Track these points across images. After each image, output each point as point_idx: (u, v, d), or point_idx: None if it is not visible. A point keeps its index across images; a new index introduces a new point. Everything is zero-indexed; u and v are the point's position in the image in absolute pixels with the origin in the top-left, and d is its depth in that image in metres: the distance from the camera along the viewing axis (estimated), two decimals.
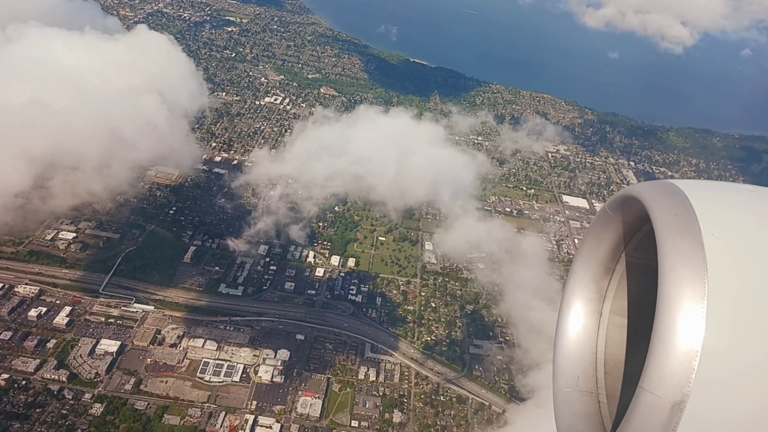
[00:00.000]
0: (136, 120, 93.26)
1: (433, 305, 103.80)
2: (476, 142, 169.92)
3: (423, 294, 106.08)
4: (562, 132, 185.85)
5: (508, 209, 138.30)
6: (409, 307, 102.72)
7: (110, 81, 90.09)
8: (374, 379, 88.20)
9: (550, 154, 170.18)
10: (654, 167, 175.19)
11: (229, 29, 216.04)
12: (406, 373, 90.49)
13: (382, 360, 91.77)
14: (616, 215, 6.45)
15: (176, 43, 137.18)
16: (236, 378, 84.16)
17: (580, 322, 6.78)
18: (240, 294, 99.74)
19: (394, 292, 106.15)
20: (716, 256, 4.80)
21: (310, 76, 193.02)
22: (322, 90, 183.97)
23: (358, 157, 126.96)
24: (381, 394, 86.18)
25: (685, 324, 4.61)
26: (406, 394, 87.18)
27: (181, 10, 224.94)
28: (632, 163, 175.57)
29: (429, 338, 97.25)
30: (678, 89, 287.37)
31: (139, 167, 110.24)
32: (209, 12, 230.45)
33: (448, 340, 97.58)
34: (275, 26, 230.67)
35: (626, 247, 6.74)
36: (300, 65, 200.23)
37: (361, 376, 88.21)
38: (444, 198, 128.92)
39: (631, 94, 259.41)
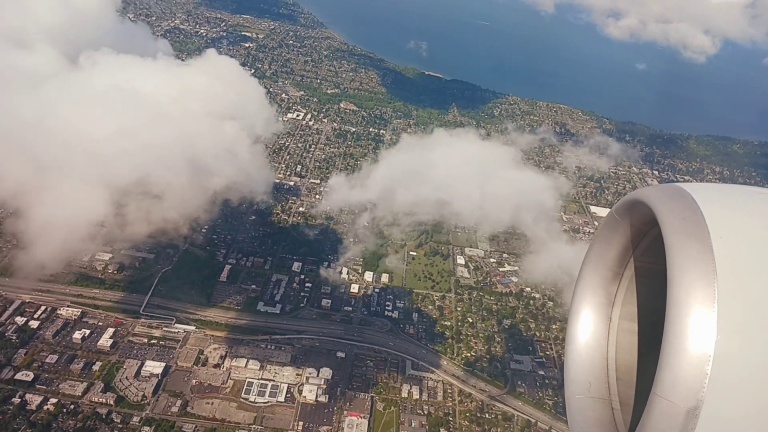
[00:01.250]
0: (216, 146, 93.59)
1: (470, 320, 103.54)
2: (539, 160, 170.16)
3: (459, 309, 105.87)
4: (627, 150, 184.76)
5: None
6: (446, 323, 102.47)
7: (187, 107, 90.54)
8: (418, 397, 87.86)
9: (573, 165, 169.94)
10: (678, 175, 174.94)
11: (247, 45, 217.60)
12: (449, 391, 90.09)
13: (424, 377, 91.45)
14: (624, 220, 6.45)
15: (245, 67, 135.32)
16: (281, 398, 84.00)
17: (590, 328, 6.76)
18: (278, 312, 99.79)
19: (430, 307, 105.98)
20: (725, 258, 4.79)
21: (329, 91, 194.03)
22: (341, 105, 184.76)
23: (434, 180, 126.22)
24: (426, 412, 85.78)
25: (697, 328, 4.58)
26: (450, 412, 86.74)
27: (197, 27, 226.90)
28: (656, 172, 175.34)
29: (469, 354, 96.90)
30: (695, 97, 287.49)
31: (213, 192, 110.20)
32: (225, 28, 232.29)
33: (488, 356, 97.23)
34: (291, 41, 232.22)
35: (634, 251, 6.72)
36: (318, 80, 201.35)
37: (404, 394, 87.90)
38: (527, 221, 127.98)
39: (647, 102, 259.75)
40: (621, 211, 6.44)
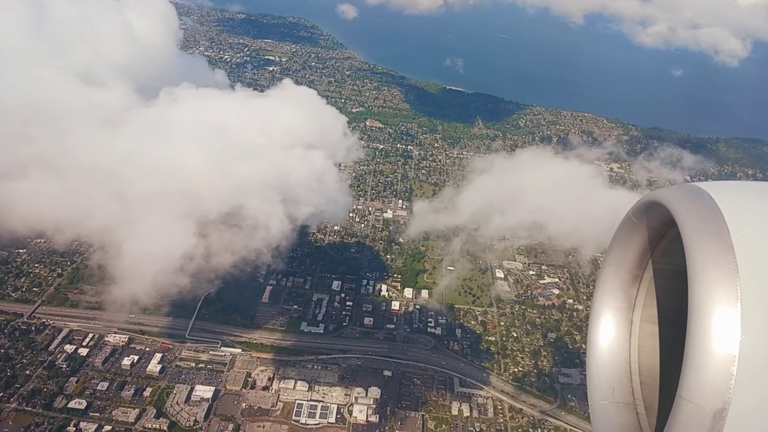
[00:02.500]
0: (302, 176, 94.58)
1: (515, 335, 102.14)
2: (614, 174, 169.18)
3: (502, 324, 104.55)
4: (703, 161, 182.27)
5: None
6: (490, 338, 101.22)
7: (272, 138, 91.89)
8: (468, 414, 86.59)
9: (603, 173, 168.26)
10: (711, 180, 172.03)
11: (271, 69, 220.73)
12: (499, 407, 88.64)
13: (473, 394, 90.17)
14: (641, 222, 6.32)
15: (321, 96, 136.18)
16: (331, 419, 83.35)
17: (611, 333, 6.67)
18: (322, 332, 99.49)
19: (473, 322, 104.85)
20: (747, 256, 4.68)
21: (354, 110, 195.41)
22: (367, 123, 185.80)
23: (525, 202, 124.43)
24: (477, 430, 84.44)
25: (720, 328, 4.48)
26: (502, 428, 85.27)
27: (221, 53, 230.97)
28: (688, 177, 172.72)
29: (516, 369, 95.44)
30: (722, 100, 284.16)
31: (298, 220, 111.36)
32: (248, 53, 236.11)
33: (535, 371, 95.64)
34: (313, 63, 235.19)
35: (653, 253, 6.61)
36: (343, 100, 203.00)
37: (454, 412, 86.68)
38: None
39: (673, 108, 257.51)
40: (638, 213, 6.34)
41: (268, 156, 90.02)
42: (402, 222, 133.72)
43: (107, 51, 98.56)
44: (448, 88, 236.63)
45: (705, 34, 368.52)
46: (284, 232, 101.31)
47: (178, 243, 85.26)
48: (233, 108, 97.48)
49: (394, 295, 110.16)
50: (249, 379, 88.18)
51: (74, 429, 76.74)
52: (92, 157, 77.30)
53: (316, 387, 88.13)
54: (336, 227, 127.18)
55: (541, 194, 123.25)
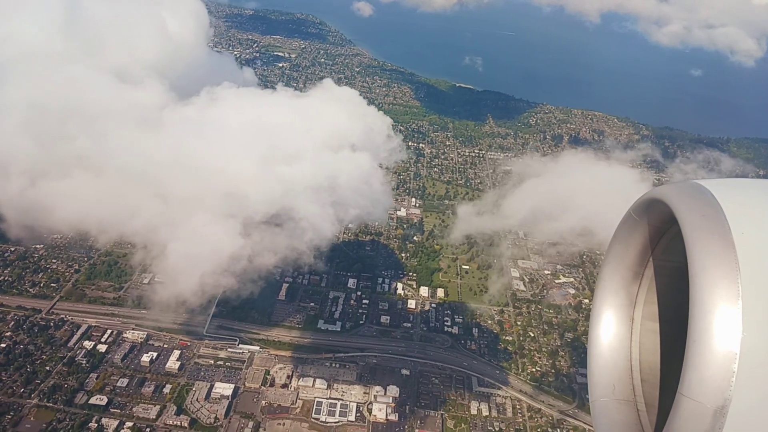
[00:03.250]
0: (348, 177, 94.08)
1: (532, 335, 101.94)
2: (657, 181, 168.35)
3: (519, 323, 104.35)
4: (743, 165, 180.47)
5: None
6: (507, 338, 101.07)
7: (317, 139, 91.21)
8: (487, 414, 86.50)
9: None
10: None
11: (280, 65, 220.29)
12: (517, 407, 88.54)
13: (492, 394, 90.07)
14: (642, 219, 6.33)
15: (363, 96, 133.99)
16: (351, 418, 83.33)
17: (612, 330, 6.68)
18: (339, 330, 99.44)
19: (489, 322, 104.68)
20: (748, 254, 4.69)
21: None
22: None
23: (572, 207, 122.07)
24: (497, 429, 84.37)
25: (721, 325, 4.49)
26: (522, 428, 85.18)
27: (230, 49, 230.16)
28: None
29: (534, 369, 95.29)
30: (733, 100, 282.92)
31: (342, 221, 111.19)
32: (257, 48, 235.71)
33: (553, 371, 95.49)
34: (323, 59, 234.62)
35: (654, 250, 6.62)
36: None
37: (473, 411, 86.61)
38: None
39: (683, 107, 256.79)
40: (639, 210, 6.35)
41: (314, 157, 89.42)
42: (415, 220, 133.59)
43: (141, 49, 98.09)
44: (457, 85, 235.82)
45: (720, 33, 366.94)
46: (328, 233, 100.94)
47: (225, 244, 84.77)
48: (276, 108, 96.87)
49: (409, 293, 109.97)
50: (268, 376, 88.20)
51: (96, 425, 76.81)
52: (134, 157, 76.84)
53: (335, 385, 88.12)
54: (350, 225, 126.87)
55: (589, 198, 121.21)
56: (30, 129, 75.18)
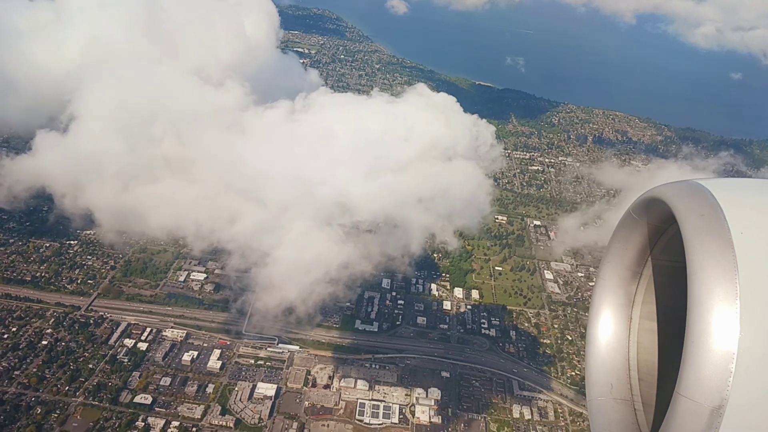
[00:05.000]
0: (448, 186, 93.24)
1: (569, 338, 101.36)
2: None
3: (556, 326, 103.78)
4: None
5: None
6: (545, 341, 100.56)
7: (418, 146, 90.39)
8: (530, 417, 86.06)
9: (641, 174, 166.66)
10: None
11: (302, 61, 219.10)
12: (559, 411, 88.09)
13: (534, 397, 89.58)
14: (641, 218, 6.31)
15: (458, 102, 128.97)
16: (394, 419, 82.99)
17: (610, 329, 6.67)
18: (376, 330, 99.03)
19: (526, 324, 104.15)
20: (747, 254, 4.66)
21: None
22: None
23: None
24: None
25: (719, 325, 4.48)
26: None
27: None
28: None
29: (573, 373, 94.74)
30: (754, 102, 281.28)
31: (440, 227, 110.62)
32: (277, 44, 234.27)
33: None
34: (342, 56, 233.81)
35: (653, 250, 6.60)
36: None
37: (516, 415, 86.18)
38: None
39: (708, 108, 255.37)
40: (638, 209, 6.31)
41: (420, 167, 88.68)
42: None
43: (219, 50, 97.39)
44: (477, 83, 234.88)
45: (754, 36, 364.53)
46: (424, 240, 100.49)
47: (330, 252, 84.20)
48: (375, 114, 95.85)
49: (444, 294, 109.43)
50: (309, 377, 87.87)
51: (143, 424, 76.60)
52: (229, 161, 76.14)
53: (376, 386, 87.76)
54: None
55: None
56: (121, 131, 74.61)
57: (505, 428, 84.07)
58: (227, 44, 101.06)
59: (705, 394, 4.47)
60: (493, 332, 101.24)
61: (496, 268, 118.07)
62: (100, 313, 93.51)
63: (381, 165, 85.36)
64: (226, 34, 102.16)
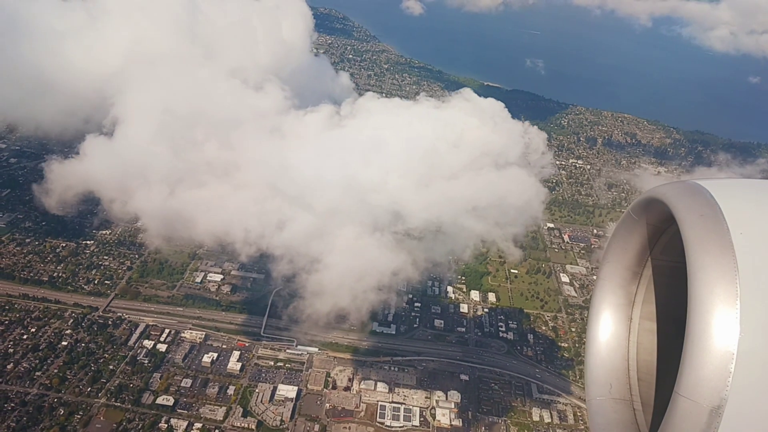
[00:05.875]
0: (504, 193, 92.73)
1: None
2: None
3: (573, 330, 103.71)
4: None
5: None
6: (563, 344, 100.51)
7: (467, 153, 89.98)
8: (549, 420, 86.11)
9: (653, 177, 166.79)
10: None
11: None
12: (578, 414, 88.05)
13: (553, 400, 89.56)
14: (641, 218, 6.32)
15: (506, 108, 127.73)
16: (415, 422, 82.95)
17: (610, 329, 6.69)
18: (393, 333, 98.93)
19: (543, 328, 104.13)
20: (746, 254, 4.66)
21: None
22: None
23: None
24: None
25: (719, 326, 4.47)
26: None
27: None
28: None
29: None
30: (760, 105, 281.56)
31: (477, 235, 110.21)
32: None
33: None
34: (351, 56, 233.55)
35: (652, 250, 6.61)
36: (384, 94, 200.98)
37: (535, 418, 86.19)
38: None
39: (710, 111, 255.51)
40: (637, 209, 6.32)
41: (470, 173, 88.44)
42: None
43: (257, 54, 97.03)
44: (485, 84, 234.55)
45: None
46: (469, 246, 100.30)
47: (386, 259, 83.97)
48: (424, 120, 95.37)
49: (460, 297, 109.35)
50: (329, 379, 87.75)
51: (166, 426, 76.48)
52: (278, 166, 75.82)
53: (396, 389, 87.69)
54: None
55: None
56: (166, 135, 74.33)
57: (525, 431, 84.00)
58: (265, 47, 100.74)
59: (704, 394, 4.48)
60: (510, 335, 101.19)
61: (512, 270, 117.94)
62: (119, 314, 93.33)
63: (433, 172, 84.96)
64: (263, 36, 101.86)
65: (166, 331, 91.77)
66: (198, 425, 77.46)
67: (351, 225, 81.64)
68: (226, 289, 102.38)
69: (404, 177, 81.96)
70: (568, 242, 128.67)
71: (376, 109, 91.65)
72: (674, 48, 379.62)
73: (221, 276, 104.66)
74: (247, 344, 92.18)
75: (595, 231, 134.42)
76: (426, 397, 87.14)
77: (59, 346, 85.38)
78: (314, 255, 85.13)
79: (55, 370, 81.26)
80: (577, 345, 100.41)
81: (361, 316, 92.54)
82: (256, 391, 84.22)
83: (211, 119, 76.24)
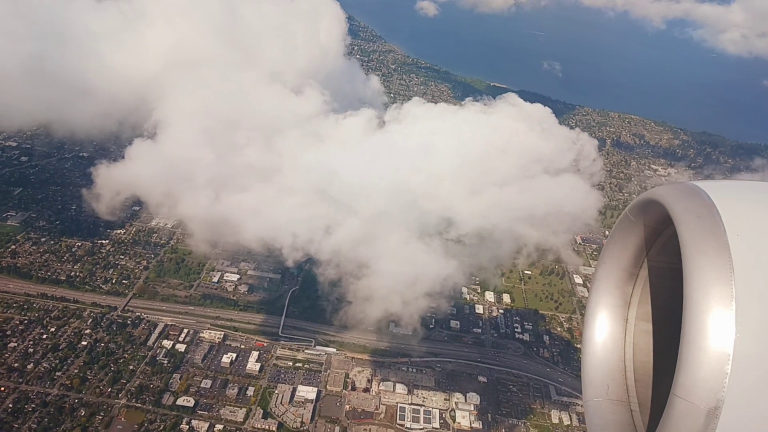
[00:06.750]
0: (557, 201, 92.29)
1: None
2: None
3: None
4: None
5: None
6: (578, 346, 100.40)
7: (517, 159, 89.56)
8: (569, 423, 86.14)
9: (663, 179, 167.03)
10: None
11: None
12: None
13: (572, 402, 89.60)
14: (638, 220, 6.35)
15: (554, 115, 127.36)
16: (435, 424, 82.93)
17: (607, 330, 6.71)
18: (410, 333, 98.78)
19: (559, 329, 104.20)
20: (743, 256, 4.69)
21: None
22: None
23: None
24: None
25: (715, 327, 4.50)
26: None
27: None
28: None
29: None
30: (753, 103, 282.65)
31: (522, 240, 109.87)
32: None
33: None
34: (357, 55, 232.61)
35: (649, 251, 6.64)
36: (392, 95, 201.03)
37: (554, 420, 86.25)
38: None
39: (718, 113, 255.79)
40: (635, 210, 6.36)
41: (523, 180, 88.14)
42: None
43: (295, 57, 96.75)
44: (493, 84, 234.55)
45: None
46: (509, 250, 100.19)
47: (434, 264, 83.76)
48: (471, 125, 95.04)
49: (475, 298, 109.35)
50: (348, 380, 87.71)
51: (187, 427, 76.41)
52: (325, 170, 75.46)
53: (415, 390, 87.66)
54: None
55: None
56: (209, 139, 74.02)
57: None
58: (303, 50, 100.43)
59: (701, 395, 4.50)
60: (526, 337, 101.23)
61: (525, 271, 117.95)
62: (137, 314, 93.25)
63: (485, 179, 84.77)
64: (301, 40, 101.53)
65: (185, 331, 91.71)
66: (219, 427, 77.39)
67: (400, 230, 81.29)
68: (242, 288, 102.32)
69: (455, 183, 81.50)
70: (580, 244, 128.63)
71: (423, 114, 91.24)
72: (684, 50, 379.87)
73: (237, 276, 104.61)
74: (265, 344, 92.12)
75: (606, 232, 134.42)
76: (445, 399, 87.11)
77: (79, 345, 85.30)
78: (362, 260, 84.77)
79: (76, 371, 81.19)
80: None
81: (413, 322, 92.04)
82: (276, 392, 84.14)
83: (254, 123, 75.95)
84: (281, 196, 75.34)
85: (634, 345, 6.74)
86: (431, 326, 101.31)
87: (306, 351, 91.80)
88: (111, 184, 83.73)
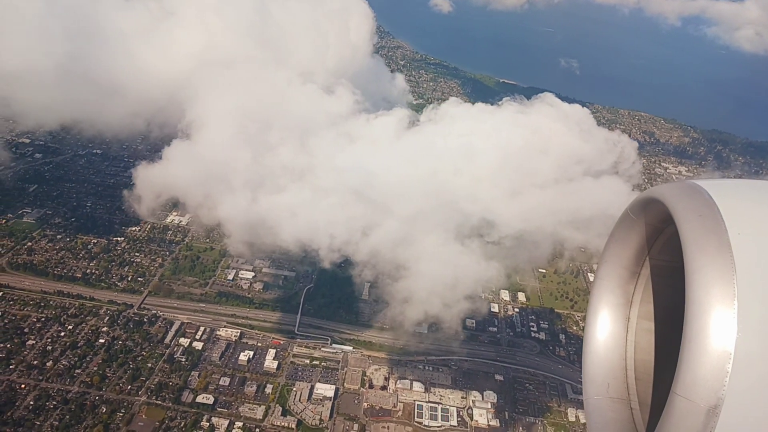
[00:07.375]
0: (601, 204, 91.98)
1: None
2: None
3: None
4: None
5: None
6: None
7: (557, 161, 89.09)
8: (585, 421, 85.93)
9: (673, 176, 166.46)
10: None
11: None
12: None
13: None
14: (639, 218, 6.31)
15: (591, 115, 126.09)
16: (453, 422, 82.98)
17: (608, 329, 6.73)
18: (425, 331, 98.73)
19: (575, 328, 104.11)
20: (744, 255, 4.64)
21: (414, 102, 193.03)
22: None
23: None
24: None
25: (716, 326, 4.46)
26: None
27: None
28: None
29: None
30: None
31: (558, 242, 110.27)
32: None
33: None
34: None
35: (650, 250, 6.57)
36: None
37: (571, 419, 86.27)
38: None
39: (729, 111, 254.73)
40: (636, 209, 6.30)
41: (564, 182, 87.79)
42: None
43: (326, 56, 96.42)
44: (502, 81, 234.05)
45: None
46: (545, 252, 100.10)
47: (474, 265, 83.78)
48: (509, 126, 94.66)
49: (490, 296, 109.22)
50: (365, 378, 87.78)
51: (207, 424, 76.58)
52: (361, 171, 75.28)
53: (432, 388, 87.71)
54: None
55: None
56: (244, 139, 73.87)
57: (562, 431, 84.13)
58: (333, 50, 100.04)
59: (701, 393, 4.49)
60: (542, 335, 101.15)
61: (539, 270, 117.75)
62: (153, 312, 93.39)
63: (525, 180, 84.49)
64: (331, 39, 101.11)
65: (201, 328, 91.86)
66: (239, 424, 77.53)
67: (437, 232, 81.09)
68: (258, 286, 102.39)
69: (495, 184, 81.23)
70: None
71: (460, 114, 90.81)
72: (697, 48, 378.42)
73: (252, 273, 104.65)
74: (282, 342, 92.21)
75: None
76: (462, 397, 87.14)
77: (97, 343, 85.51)
78: (400, 261, 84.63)
79: (95, 368, 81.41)
80: None
81: (453, 324, 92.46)
82: (294, 389, 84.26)
83: (287, 123, 75.62)
84: (318, 196, 75.04)
85: (636, 343, 6.72)
86: (446, 324, 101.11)
87: (322, 349, 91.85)
88: (151, 185, 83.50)
